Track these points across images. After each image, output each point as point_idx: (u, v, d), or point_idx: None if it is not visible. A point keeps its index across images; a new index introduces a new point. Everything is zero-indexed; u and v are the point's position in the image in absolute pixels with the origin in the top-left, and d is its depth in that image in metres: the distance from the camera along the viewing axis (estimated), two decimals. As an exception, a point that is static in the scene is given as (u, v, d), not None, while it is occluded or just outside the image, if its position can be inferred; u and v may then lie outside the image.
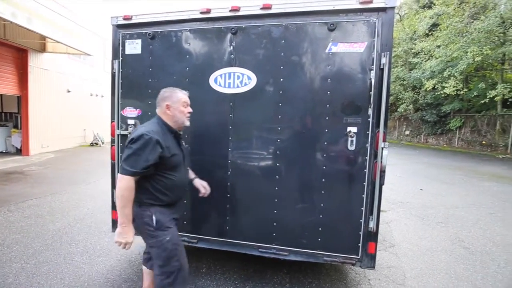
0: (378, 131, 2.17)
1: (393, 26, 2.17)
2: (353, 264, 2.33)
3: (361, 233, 2.28)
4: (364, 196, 2.25)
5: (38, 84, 10.05)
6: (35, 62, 9.91)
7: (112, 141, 2.77)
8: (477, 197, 6.10)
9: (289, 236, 2.43)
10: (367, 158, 2.23)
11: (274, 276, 2.80)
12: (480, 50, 12.95)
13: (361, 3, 2.13)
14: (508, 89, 12.84)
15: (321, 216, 2.34)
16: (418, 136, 19.60)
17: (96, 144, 13.28)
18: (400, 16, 22.75)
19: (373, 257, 2.29)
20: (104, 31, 12.52)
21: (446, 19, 15.32)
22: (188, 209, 2.60)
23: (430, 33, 17.12)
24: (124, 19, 2.63)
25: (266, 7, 2.29)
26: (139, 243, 3.45)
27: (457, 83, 14.48)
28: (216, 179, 2.44)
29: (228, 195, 2.51)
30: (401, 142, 20.12)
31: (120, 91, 2.71)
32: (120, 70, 2.69)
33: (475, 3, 14.02)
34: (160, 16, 2.55)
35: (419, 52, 17.99)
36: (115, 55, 2.70)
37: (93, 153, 11.24)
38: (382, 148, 2.16)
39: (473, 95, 14.88)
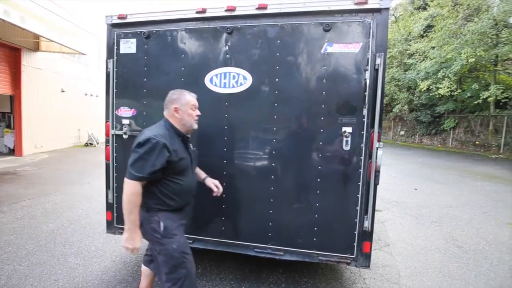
0: (373, 131, 2.19)
1: (387, 27, 2.19)
2: (348, 264, 2.34)
3: (356, 232, 2.30)
4: (359, 195, 2.27)
5: (31, 83, 9.93)
6: (28, 61, 9.78)
7: (107, 141, 2.75)
8: (471, 196, 6.18)
9: (285, 236, 2.43)
10: (362, 158, 2.24)
11: (270, 276, 2.80)
12: (474, 52, 13.12)
13: (356, 4, 2.14)
14: (501, 90, 13.04)
15: (316, 215, 2.35)
16: (413, 137, 19.79)
17: (91, 144, 13.16)
18: (396, 17, 22.97)
19: (368, 256, 2.31)
20: (100, 30, 12.41)
21: (441, 21, 15.50)
22: (183, 209, 2.59)
23: (424, 35, 17.31)
24: (119, 18, 2.61)
25: (262, 7, 2.29)
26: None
27: (451, 84, 14.65)
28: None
29: (224, 195, 2.49)
30: (396, 142, 20.28)
31: (114, 90, 2.69)
32: (115, 69, 2.67)
33: (468, 5, 14.20)
34: (155, 16, 2.54)
35: (414, 53, 18.17)
36: (109, 55, 2.68)
37: (88, 153, 11.13)
38: (377, 148, 2.17)
39: (466, 96, 15.07)
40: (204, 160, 2.54)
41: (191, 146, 1.99)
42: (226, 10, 2.36)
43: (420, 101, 18.27)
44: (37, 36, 8.98)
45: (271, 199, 2.43)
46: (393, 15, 22.73)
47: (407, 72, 18.76)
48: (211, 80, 2.45)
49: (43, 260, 3.00)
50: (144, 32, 2.56)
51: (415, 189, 6.72)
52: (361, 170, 2.25)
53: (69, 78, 12.10)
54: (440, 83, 14.93)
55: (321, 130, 2.29)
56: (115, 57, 2.66)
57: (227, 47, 2.41)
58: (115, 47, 2.66)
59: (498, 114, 14.26)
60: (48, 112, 10.80)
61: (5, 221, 4.04)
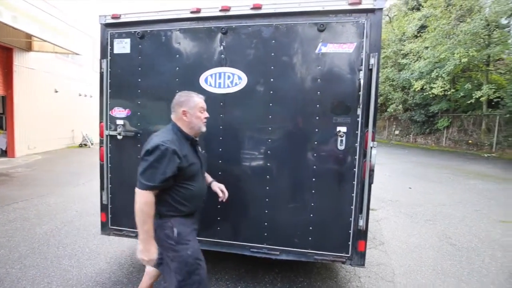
0: (367, 130, 2.20)
1: (381, 27, 2.21)
2: (343, 262, 2.36)
3: (351, 231, 2.31)
4: (354, 195, 2.28)
5: (24, 83, 9.78)
6: (20, 61, 9.64)
7: (101, 142, 2.73)
8: (464, 195, 6.26)
9: (280, 235, 2.44)
10: (357, 157, 2.26)
11: (266, 275, 2.81)
12: (466, 52, 13.31)
13: (350, 4, 2.15)
14: (493, 90, 13.24)
15: (311, 215, 2.36)
16: (407, 136, 19.97)
17: (85, 145, 13.02)
18: (390, 17, 23.17)
19: (363, 255, 2.32)
20: (94, 30, 12.28)
21: (434, 21, 15.68)
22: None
23: (418, 35, 17.49)
24: (113, 18, 2.59)
25: (256, 7, 2.29)
26: (129, 244, 3.40)
27: (444, 84, 14.83)
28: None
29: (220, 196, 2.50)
30: (390, 141, 20.46)
31: (108, 91, 2.67)
32: (109, 69, 2.65)
33: (461, 6, 14.39)
34: (149, 15, 2.53)
35: (408, 53, 18.34)
36: (103, 55, 2.66)
37: (82, 154, 11.01)
38: (371, 148, 2.19)
39: (459, 96, 15.27)
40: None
41: (200, 149, 1.94)
42: (220, 10, 2.36)
43: (414, 101, 18.46)
44: (29, 36, 8.86)
45: (267, 199, 2.43)
46: (387, 15, 22.92)
47: (401, 72, 18.94)
48: (206, 80, 2.44)
49: (36, 263, 2.96)
50: (138, 32, 2.55)
51: (410, 188, 6.79)
52: (356, 170, 2.26)
53: (62, 79, 11.96)
54: (433, 83, 15.11)
55: (316, 130, 2.31)
56: (109, 57, 2.64)
57: (222, 47, 2.40)
58: (109, 47, 2.64)
59: (490, 114, 14.48)
60: (41, 113, 10.66)
61: (-3, 223, 3.98)
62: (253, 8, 2.30)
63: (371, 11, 2.16)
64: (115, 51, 2.63)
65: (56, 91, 11.54)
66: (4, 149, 9.85)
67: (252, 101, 2.40)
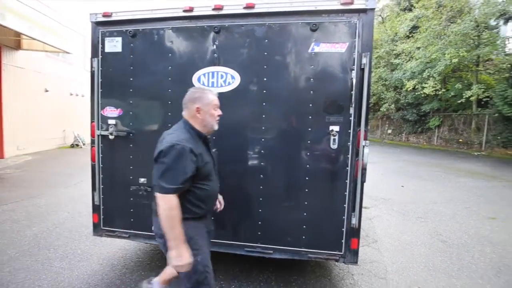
0: (360, 129, 2.23)
1: (373, 27, 2.24)
2: (336, 260, 2.38)
3: (344, 229, 2.34)
4: (347, 193, 2.31)
5: (12, 83, 9.56)
6: (9, 59, 9.42)
7: (92, 142, 2.69)
8: (454, 192, 6.38)
9: (274, 234, 2.45)
10: (349, 156, 2.28)
11: (260, 274, 2.81)
12: (457, 52, 13.53)
13: (342, 4, 2.17)
14: (482, 90, 13.50)
15: (305, 214, 2.38)
16: (400, 135, 20.24)
17: (77, 145, 12.81)
18: (383, 18, 23.40)
19: (356, 253, 2.35)
20: (85, 29, 12.09)
21: (425, 22, 15.89)
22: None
23: (410, 35, 17.70)
24: (104, 16, 2.55)
25: (249, 6, 2.29)
26: (122, 245, 3.37)
27: (435, 84, 15.05)
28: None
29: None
30: (383, 140, 20.69)
31: (100, 90, 2.64)
32: (100, 68, 2.62)
33: (452, 7, 14.63)
34: (141, 14, 2.50)
35: (400, 53, 18.56)
36: (94, 53, 2.62)
37: (74, 154, 10.84)
38: (363, 146, 2.21)
39: (450, 95, 15.54)
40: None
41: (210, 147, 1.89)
42: (213, 9, 2.35)
43: (407, 100, 18.70)
44: (18, 34, 8.66)
45: (260, 198, 2.44)
46: (380, 16, 23.15)
47: (393, 72, 19.16)
48: (199, 80, 2.43)
49: (27, 265, 2.91)
50: (130, 31, 2.52)
51: (402, 186, 6.88)
52: (348, 168, 2.29)
53: (53, 78, 11.73)
54: (425, 83, 15.33)
55: (309, 129, 2.32)
56: (100, 56, 2.61)
57: (214, 46, 2.40)
58: (100, 46, 2.60)
59: (480, 113, 14.77)
60: (31, 113, 10.44)
61: (-15, 226, 3.89)
62: (246, 7, 2.30)
63: (363, 11, 2.18)
64: (107, 49, 2.59)
65: (47, 91, 11.32)
66: (-8, 149, 9.62)
67: (246, 100, 2.40)
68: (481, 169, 9.38)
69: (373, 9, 2.19)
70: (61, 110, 12.22)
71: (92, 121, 2.67)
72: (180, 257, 1.52)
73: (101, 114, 2.65)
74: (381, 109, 20.62)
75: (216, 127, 1.79)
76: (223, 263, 2.98)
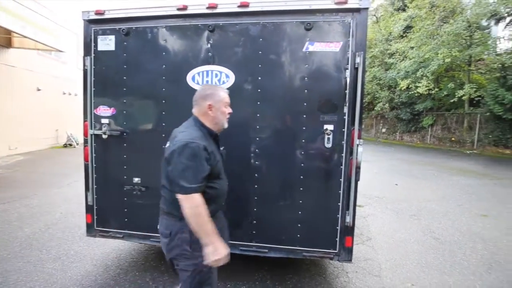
0: (354, 128, 2.24)
1: (367, 26, 2.25)
2: (331, 258, 2.40)
3: (338, 227, 2.35)
4: (341, 191, 2.32)
5: (3, 82, 9.40)
6: (-1, 58, 9.26)
7: (85, 141, 2.66)
8: (447, 190, 6.47)
9: (269, 233, 2.45)
10: (343, 155, 2.29)
11: (255, 273, 2.82)
12: (449, 52, 13.71)
13: (336, 3, 2.18)
14: (474, 89, 13.72)
15: (299, 212, 2.39)
16: (394, 134, 20.43)
17: (70, 145, 12.64)
18: (377, 17, 23.56)
19: (350, 251, 2.37)
20: (78, 27, 11.91)
21: (419, 22, 16.06)
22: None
23: (404, 35, 17.87)
24: (96, 14, 2.52)
25: (244, 5, 2.28)
26: (116, 246, 3.34)
27: (429, 83, 15.23)
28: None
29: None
30: (378, 139, 20.87)
31: (92, 89, 2.60)
32: (93, 67, 2.58)
33: (444, 7, 14.81)
34: (135, 12, 2.47)
35: (394, 53, 18.72)
36: (87, 52, 2.59)
37: (67, 154, 10.70)
38: (357, 145, 2.23)
39: (443, 95, 15.72)
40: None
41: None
42: (207, 8, 2.33)
43: (401, 100, 18.87)
44: (8, 32, 8.50)
45: (255, 197, 2.44)
46: (374, 15, 23.31)
47: (388, 71, 19.32)
48: (193, 79, 2.42)
49: (18, 267, 2.86)
50: (123, 29, 2.49)
51: (396, 184, 6.95)
52: (342, 167, 2.30)
53: (45, 76, 11.55)
54: (419, 82, 15.50)
55: (304, 128, 2.33)
56: (92, 54, 2.58)
57: (209, 45, 2.39)
58: (93, 44, 2.57)
59: (472, 112, 15.00)
60: (23, 112, 10.26)
61: (-25, 227, 3.82)
62: (240, 6, 2.29)
63: (357, 10, 2.19)
64: (99, 48, 2.56)
65: (39, 90, 11.14)
66: (-17, 150, 9.44)
67: (240, 99, 2.38)
68: (473, 167, 9.54)
69: (366, 9, 2.20)
70: (54, 109, 12.05)
71: (85, 120, 2.64)
72: (216, 251, 1.51)
73: (94, 113, 2.62)
74: (375, 108, 20.78)
75: (226, 125, 1.77)
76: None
